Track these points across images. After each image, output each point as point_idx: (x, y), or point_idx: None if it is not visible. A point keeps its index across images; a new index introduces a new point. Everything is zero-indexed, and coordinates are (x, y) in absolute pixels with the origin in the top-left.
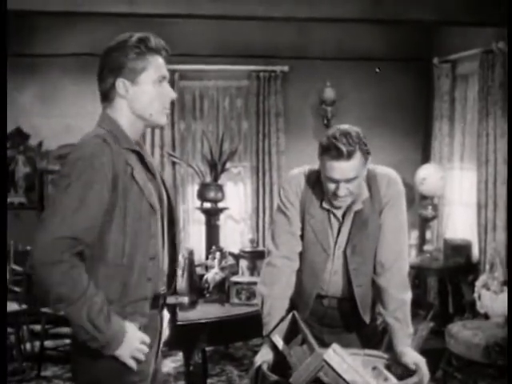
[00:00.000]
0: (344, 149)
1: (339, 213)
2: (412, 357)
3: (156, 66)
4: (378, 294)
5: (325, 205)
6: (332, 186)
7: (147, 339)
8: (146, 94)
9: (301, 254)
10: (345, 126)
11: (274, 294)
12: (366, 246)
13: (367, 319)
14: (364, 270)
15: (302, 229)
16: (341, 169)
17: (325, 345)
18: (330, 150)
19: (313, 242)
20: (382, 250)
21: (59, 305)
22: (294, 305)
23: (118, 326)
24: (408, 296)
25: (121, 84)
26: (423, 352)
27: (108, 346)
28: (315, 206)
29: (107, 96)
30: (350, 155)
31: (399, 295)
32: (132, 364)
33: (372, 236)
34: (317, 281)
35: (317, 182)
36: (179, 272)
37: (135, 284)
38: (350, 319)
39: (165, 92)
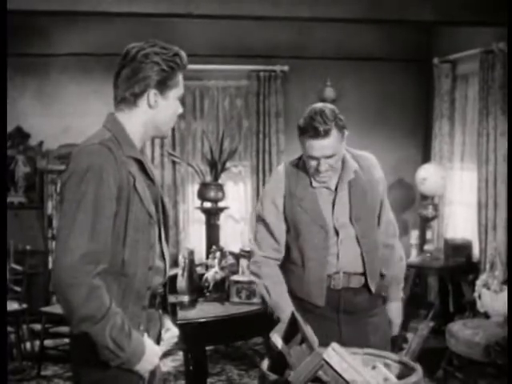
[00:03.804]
0: (321, 128)
1: (332, 186)
2: (394, 314)
3: (182, 84)
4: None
5: (315, 184)
6: (313, 163)
7: (161, 351)
8: (171, 108)
9: (300, 243)
10: (319, 105)
11: (274, 280)
12: (368, 214)
13: (373, 288)
14: (370, 236)
15: (294, 217)
16: (319, 146)
17: (341, 337)
18: (307, 131)
19: (308, 223)
20: (386, 230)
21: (82, 325)
22: (308, 297)
23: (138, 343)
24: (404, 260)
25: (152, 95)
26: (424, 351)
27: (129, 362)
28: (304, 188)
29: (129, 101)
30: (326, 133)
31: (401, 257)
32: (147, 376)
33: (371, 205)
34: (324, 260)
35: (300, 168)
36: (180, 271)
37: (136, 292)
38: (363, 299)
39: (178, 107)
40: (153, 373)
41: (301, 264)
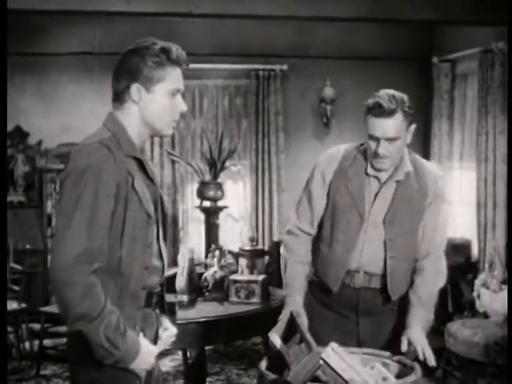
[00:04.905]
0: (386, 105)
1: (382, 179)
2: (417, 336)
3: (173, 78)
4: (412, 276)
5: (370, 171)
6: (373, 145)
7: (158, 351)
8: (159, 104)
9: (333, 223)
10: (391, 90)
11: (297, 258)
12: (405, 220)
13: (394, 296)
14: (400, 242)
15: (336, 195)
16: (382, 126)
17: (359, 337)
18: (373, 109)
19: (348, 206)
20: (427, 239)
21: (78, 323)
22: (325, 279)
23: (133, 342)
24: (440, 282)
25: (135, 89)
26: None
27: (123, 361)
28: (356, 171)
29: (119, 97)
30: (391, 113)
31: (433, 278)
32: (143, 376)
33: (413, 212)
34: (349, 248)
35: (359, 152)
36: (179, 271)
37: (131, 292)
38: (383, 300)
39: (177, 105)
40: (150, 372)
41: (328, 243)
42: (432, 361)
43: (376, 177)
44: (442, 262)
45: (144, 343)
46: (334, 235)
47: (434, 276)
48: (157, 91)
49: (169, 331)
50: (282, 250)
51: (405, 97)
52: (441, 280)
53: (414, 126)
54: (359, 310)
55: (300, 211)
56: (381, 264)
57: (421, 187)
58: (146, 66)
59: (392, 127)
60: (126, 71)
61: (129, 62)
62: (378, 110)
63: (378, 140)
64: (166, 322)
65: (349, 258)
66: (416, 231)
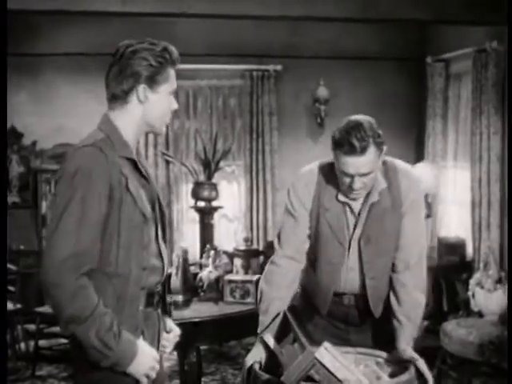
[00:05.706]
0: (357, 144)
1: (357, 205)
2: (413, 355)
3: (173, 79)
4: (394, 291)
5: (340, 197)
6: (347, 180)
7: (157, 355)
8: (162, 103)
9: (317, 252)
10: (357, 118)
11: (274, 294)
12: (381, 239)
13: (377, 313)
14: (378, 262)
15: (317, 225)
16: (355, 164)
17: (352, 345)
18: (342, 146)
19: (329, 237)
20: (406, 248)
21: (70, 325)
22: (312, 303)
23: (128, 344)
24: (423, 299)
25: (142, 90)
26: (417, 350)
27: (119, 364)
28: (330, 198)
29: (120, 98)
30: (363, 150)
31: (416, 294)
32: (144, 381)
33: (389, 229)
34: (334, 277)
35: (331, 175)
36: (173, 271)
37: (131, 293)
38: (371, 317)
39: (172, 103)
40: (155, 380)
41: (313, 268)
42: (430, 378)
43: (349, 204)
44: (423, 276)
45: (143, 346)
46: (318, 264)
47: (418, 292)
48: (161, 92)
49: (174, 332)
50: (261, 280)
51: (373, 123)
52: (423, 296)
53: (385, 148)
54: (349, 323)
55: (286, 238)
56: (363, 286)
57: (395, 201)
58: (151, 67)
59: (366, 164)
60: (130, 72)
61: (134, 63)
62: (349, 149)
63: (352, 176)
64: (169, 322)
65: (334, 285)
66: (394, 247)
